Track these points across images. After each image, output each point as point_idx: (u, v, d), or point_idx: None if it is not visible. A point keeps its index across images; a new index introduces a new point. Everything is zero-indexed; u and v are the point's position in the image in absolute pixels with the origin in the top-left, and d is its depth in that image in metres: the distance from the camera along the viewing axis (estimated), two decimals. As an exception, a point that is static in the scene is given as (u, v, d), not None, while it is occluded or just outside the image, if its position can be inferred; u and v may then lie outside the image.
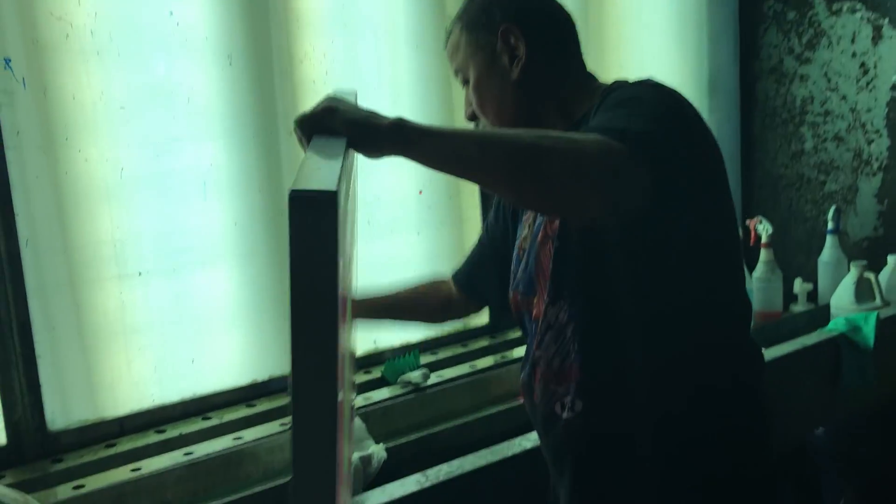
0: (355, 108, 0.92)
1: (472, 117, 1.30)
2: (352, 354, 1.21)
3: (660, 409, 1.13)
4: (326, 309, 0.68)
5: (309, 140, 0.91)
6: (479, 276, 1.51)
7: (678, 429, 1.14)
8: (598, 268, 1.13)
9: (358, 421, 1.60)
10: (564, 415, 1.18)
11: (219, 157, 1.71)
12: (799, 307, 2.50)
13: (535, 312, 1.24)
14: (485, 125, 1.29)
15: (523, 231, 1.31)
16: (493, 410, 1.75)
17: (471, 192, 2.17)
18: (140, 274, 1.63)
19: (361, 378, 1.89)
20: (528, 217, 1.30)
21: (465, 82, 1.28)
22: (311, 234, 0.66)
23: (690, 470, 1.14)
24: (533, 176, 0.93)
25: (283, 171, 1.81)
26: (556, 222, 1.18)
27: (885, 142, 2.54)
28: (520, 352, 2.05)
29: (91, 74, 1.53)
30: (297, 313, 0.68)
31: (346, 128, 0.89)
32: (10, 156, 1.45)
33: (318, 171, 0.74)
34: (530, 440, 1.43)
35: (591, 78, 1.28)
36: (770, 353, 1.85)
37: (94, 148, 1.55)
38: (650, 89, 1.12)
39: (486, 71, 1.23)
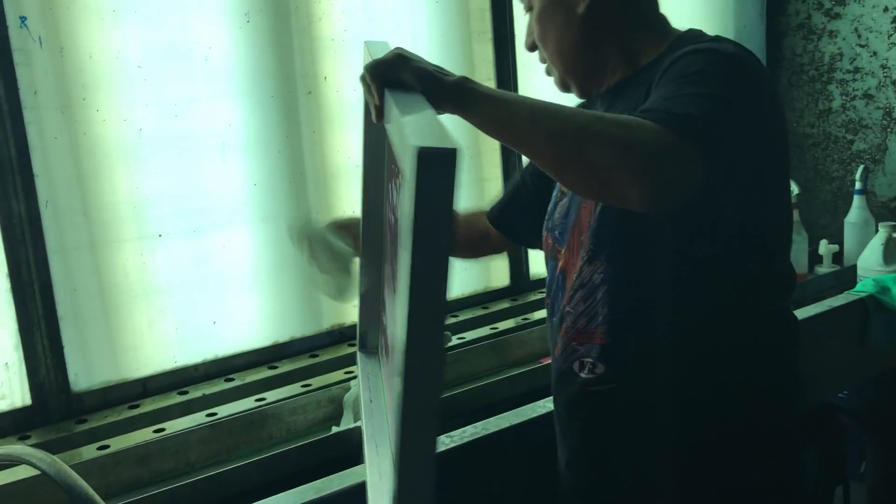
0: (424, 61, 0.95)
1: (532, 47, 1.24)
2: None
3: (684, 386, 1.11)
4: (444, 261, 0.72)
5: (379, 88, 0.93)
6: (513, 214, 1.47)
7: (703, 406, 1.11)
8: (641, 236, 1.09)
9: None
10: (583, 374, 1.16)
11: (237, 117, 1.70)
12: (824, 269, 2.46)
13: (560, 263, 1.22)
14: (544, 58, 1.24)
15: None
16: (515, 372, 1.74)
17: (492, 151, 2.15)
18: (160, 235, 1.62)
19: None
20: None
21: (529, 9, 1.22)
22: (437, 188, 0.70)
23: (711, 445, 1.11)
24: (576, 160, 0.92)
25: (301, 131, 1.80)
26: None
27: (916, 99, 2.48)
28: (541, 314, 2.04)
29: (108, 33, 1.51)
30: (419, 265, 0.71)
31: (416, 79, 0.91)
32: (28, 116, 1.44)
33: (429, 128, 0.77)
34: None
35: (663, 22, 1.20)
36: (797, 314, 1.82)
37: (111, 108, 1.53)
38: (720, 62, 1.03)
39: (551, 1, 1.18)
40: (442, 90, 0.92)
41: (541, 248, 1.32)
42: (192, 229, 1.66)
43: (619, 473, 1.17)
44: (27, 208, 1.45)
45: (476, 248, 1.58)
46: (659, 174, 0.92)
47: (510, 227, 1.49)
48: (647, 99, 1.04)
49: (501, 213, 1.49)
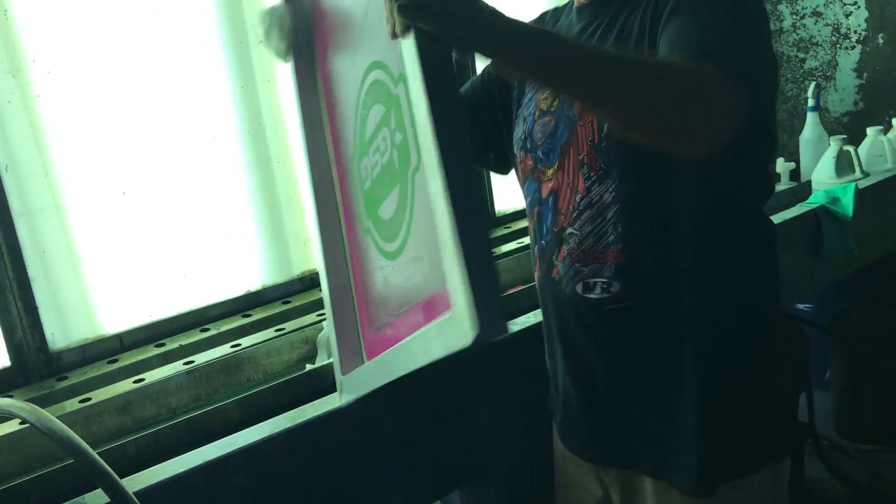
0: None
1: None
2: None
3: (702, 298, 1.13)
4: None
5: (404, 28, 0.84)
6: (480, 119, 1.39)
7: (719, 315, 1.14)
8: (653, 152, 1.04)
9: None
10: (593, 295, 1.16)
11: (192, 74, 1.70)
12: (781, 186, 2.52)
13: (550, 185, 1.20)
14: None
15: (542, 91, 1.24)
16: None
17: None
18: (124, 193, 1.64)
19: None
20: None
21: None
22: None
23: (723, 362, 1.15)
24: (637, 109, 0.93)
25: (256, 82, 1.82)
26: None
27: (862, 13, 2.52)
28: (508, 247, 2.08)
29: (51, -7, 1.51)
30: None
31: (450, 27, 0.84)
32: (-21, 81, 1.45)
33: None
34: (518, 324, 1.47)
35: None
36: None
37: (63, 68, 1.54)
38: None
39: None
40: (479, 36, 0.86)
41: (498, 170, 1.32)
42: (155, 184, 1.68)
43: (637, 382, 1.19)
44: (-13, 173, 1.46)
45: None
46: (718, 126, 0.94)
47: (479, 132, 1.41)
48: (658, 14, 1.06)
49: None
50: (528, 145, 1.24)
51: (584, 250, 1.15)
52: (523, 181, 1.28)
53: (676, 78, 0.93)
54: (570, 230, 1.17)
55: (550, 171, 1.20)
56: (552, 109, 1.21)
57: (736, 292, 1.16)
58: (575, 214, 1.16)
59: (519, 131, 1.28)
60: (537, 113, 1.24)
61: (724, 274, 1.14)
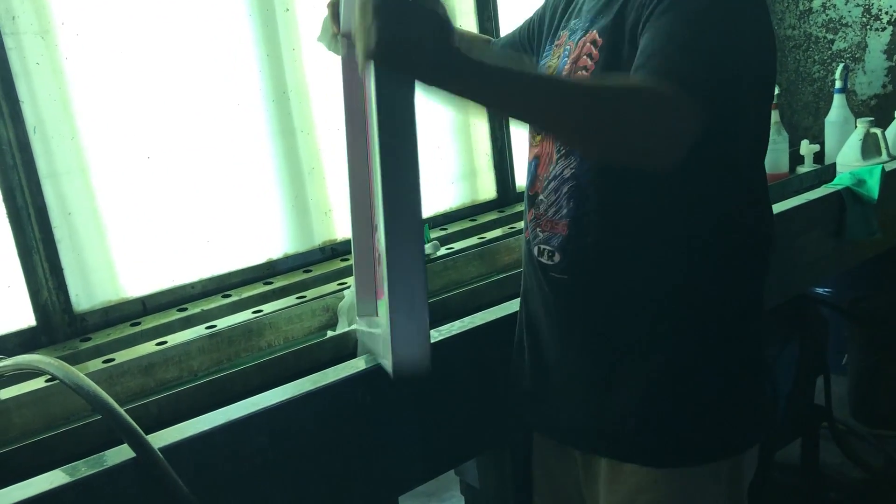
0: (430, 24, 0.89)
1: None
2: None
3: (644, 288, 1.15)
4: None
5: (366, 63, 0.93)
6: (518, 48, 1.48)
7: (658, 310, 1.15)
8: None
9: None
10: (543, 259, 1.21)
11: (216, 41, 1.71)
12: (805, 168, 2.50)
13: (536, 150, 1.25)
14: None
15: (551, 59, 1.27)
16: (502, 276, 1.79)
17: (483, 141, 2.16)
18: (149, 157, 1.65)
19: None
20: (559, 43, 1.26)
21: None
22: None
23: (658, 349, 1.15)
24: (585, 136, 1.01)
25: (282, 51, 1.82)
26: (580, 72, 1.17)
27: (894, -6, 2.49)
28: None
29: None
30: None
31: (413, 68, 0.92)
32: (9, 42, 1.46)
33: None
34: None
35: None
36: (775, 209, 1.86)
37: (92, 31, 1.54)
38: None
39: None
40: (444, 78, 0.92)
41: None
42: (179, 150, 1.69)
43: (576, 353, 1.22)
44: (16, 134, 1.48)
45: None
46: (672, 143, 0.99)
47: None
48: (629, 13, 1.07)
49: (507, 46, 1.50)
50: None
51: (548, 217, 1.20)
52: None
53: (628, 101, 0.98)
54: (541, 196, 1.22)
55: (539, 138, 1.25)
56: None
57: (686, 287, 1.15)
58: (545, 183, 1.21)
59: None
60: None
61: (674, 267, 1.14)
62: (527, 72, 1.01)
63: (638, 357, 1.16)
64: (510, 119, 1.02)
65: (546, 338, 1.26)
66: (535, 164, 1.25)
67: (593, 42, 1.16)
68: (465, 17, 2.17)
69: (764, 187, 1.23)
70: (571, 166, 1.16)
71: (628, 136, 0.99)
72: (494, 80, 0.95)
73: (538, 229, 1.22)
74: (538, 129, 1.02)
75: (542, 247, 1.21)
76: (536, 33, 1.41)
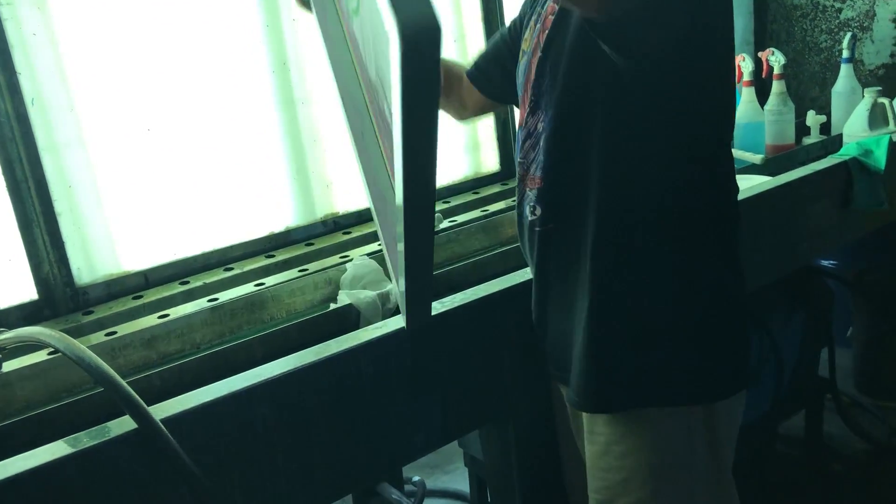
0: None
1: None
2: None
3: (607, 227, 1.15)
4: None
5: None
6: (490, 70, 1.52)
7: (625, 251, 1.15)
8: (573, 88, 1.14)
9: (374, 263, 1.64)
10: (529, 216, 1.24)
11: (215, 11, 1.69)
12: (811, 139, 2.48)
13: (519, 119, 1.28)
14: None
15: (525, 33, 1.31)
16: (505, 248, 1.78)
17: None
18: (149, 130, 1.64)
19: (374, 228, 1.92)
20: (531, 25, 1.29)
21: None
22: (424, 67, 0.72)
23: (619, 291, 1.16)
24: None
25: (282, 20, 1.79)
26: (546, 32, 1.18)
27: (904, -39, 2.45)
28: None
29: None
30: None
31: None
32: (4, 12, 1.44)
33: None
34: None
35: None
36: (782, 179, 1.85)
37: (89, 2, 1.52)
38: None
39: None
40: None
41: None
42: (179, 123, 1.68)
43: (559, 302, 1.24)
44: (13, 106, 1.46)
45: (461, 108, 1.62)
46: None
47: (485, 82, 1.53)
48: None
49: (477, 69, 1.54)
50: (518, 84, 1.33)
51: (531, 176, 1.23)
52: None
53: None
54: (521, 158, 1.27)
55: (519, 108, 1.30)
56: (526, 49, 1.28)
57: (661, 236, 1.15)
58: (521, 143, 1.26)
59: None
60: (520, 54, 1.32)
61: (647, 213, 1.14)
62: None
63: (608, 309, 1.17)
64: None
65: (538, 296, 1.29)
66: (522, 132, 1.27)
67: (552, 10, 1.20)
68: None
69: (728, 154, 1.23)
70: (542, 120, 1.20)
71: None
72: None
73: (526, 189, 1.25)
74: None
75: (528, 205, 1.24)
76: (519, 31, 1.42)
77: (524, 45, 1.30)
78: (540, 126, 1.20)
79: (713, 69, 1.14)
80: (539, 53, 1.20)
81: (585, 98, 1.13)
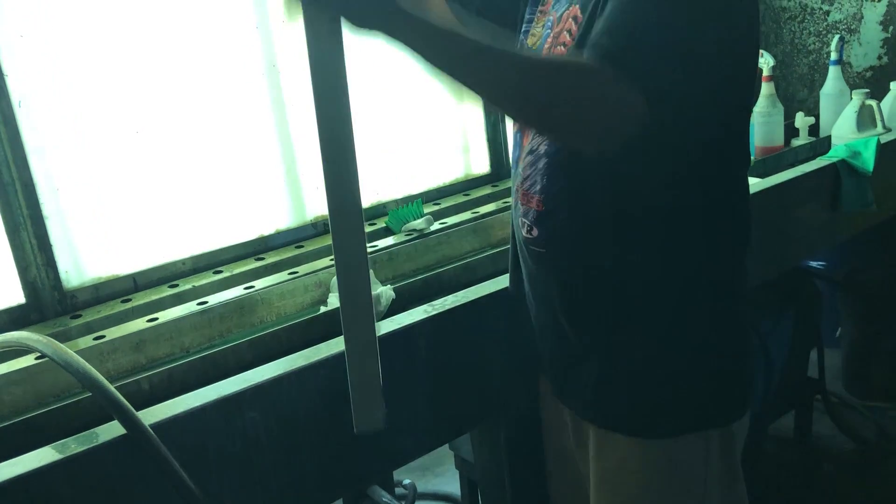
0: None
1: None
2: None
3: (612, 266, 1.13)
4: None
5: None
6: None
7: (632, 288, 1.14)
8: None
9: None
10: (524, 233, 1.21)
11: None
12: (800, 141, 2.49)
13: (516, 125, 1.26)
14: None
15: (535, 27, 1.25)
16: (496, 251, 1.78)
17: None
18: (137, 132, 1.63)
19: (366, 229, 1.91)
20: (544, 9, 1.25)
21: None
22: None
23: (631, 322, 1.15)
24: (520, 109, 1.00)
25: (269, 21, 1.79)
26: (559, 48, 1.15)
27: (891, -37, 2.46)
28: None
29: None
30: None
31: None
32: (-8, 13, 1.43)
33: None
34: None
35: None
36: (770, 181, 1.86)
37: (79, 2, 1.51)
38: None
39: None
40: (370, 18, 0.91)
41: None
42: (168, 125, 1.67)
43: (556, 324, 1.21)
44: (0, 108, 1.45)
45: None
46: (606, 126, 0.96)
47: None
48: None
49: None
50: None
51: (525, 190, 1.20)
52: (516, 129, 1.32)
53: (567, 81, 0.95)
54: (520, 168, 1.22)
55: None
56: (531, 45, 1.24)
57: (663, 263, 1.12)
58: (525, 155, 1.21)
59: None
60: (521, 36, 1.28)
61: (650, 243, 1.12)
62: (475, 40, 0.95)
63: (617, 329, 1.16)
64: (451, 82, 0.96)
65: (532, 303, 1.27)
66: (521, 135, 1.25)
67: (574, 17, 1.13)
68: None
69: (745, 161, 1.20)
70: (545, 142, 1.16)
71: (567, 114, 0.96)
72: (435, 39, 0.93)
73: (519, 202, 1.22)
74: (478, 95, 0.98)
75: (523, 220, 1.21)
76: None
77: (529, 41, 1.25)
78: (542, 147, 1.16)
79: (740, 76, 1.09)
80: None
81: None
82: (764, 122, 2.36)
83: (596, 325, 1.17)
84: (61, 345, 1.09)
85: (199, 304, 1.56)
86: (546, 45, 1.19)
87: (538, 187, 1.17)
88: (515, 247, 1.31)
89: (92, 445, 0.99)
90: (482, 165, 2.28)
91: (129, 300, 1.61)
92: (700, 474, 1.17)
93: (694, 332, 1.16)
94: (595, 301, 1.16)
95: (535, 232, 1.19)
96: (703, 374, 1.17)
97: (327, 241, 1.88)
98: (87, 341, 1.43)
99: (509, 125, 1.31)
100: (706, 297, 1.16)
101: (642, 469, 1.18)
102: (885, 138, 2.12)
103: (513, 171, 1.27)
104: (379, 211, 2.01)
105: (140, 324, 1.49)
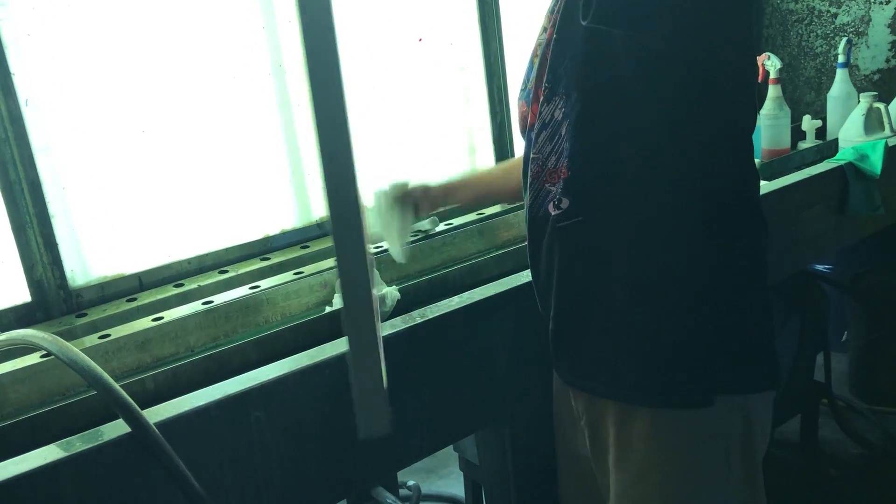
0: None
1: None
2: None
3: (642, 216, 1.12)
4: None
5: None
6: None
7: (660, 241, 1.13)
8: (598, 64, 1.09)
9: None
10: (553, 212, 1.18)
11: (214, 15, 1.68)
12: (807, 144, 2.48)
13: (530, 120, 1.24)
14: None
15: (539, 38, 1.27)
16: (501, 252, 1.78)
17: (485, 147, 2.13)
18: (143, 132, 1.63)
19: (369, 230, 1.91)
20: (544, 26, 1.26)
21: None
22: None
23: (653, 287, 1.14)
24: None
25: (277, 22, 1.79)
26: (559, 15, 1.15)
27: (899, -34, 2.45)
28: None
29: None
30: None
31: None
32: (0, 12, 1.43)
33: None
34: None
35: None
36: (777, 184, 1.85)
37: (86, 1, 1.52)
38: None
39: None
40: None
41: None
42: (174, 125, 1.67)
43: (582, 298, 1.20)
44: (7, 107, 1.45)
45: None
46: None
47: None
48: None
49: None
50: (523, 95, 1.29)
51: (549, 170, 1.18)
52: (521, 133, 1.31)
53: None
54: (533, 155, 1.21)
55: (526, 107, 1.25)
56: (538, 52, 1.24)
57: (680, 221, 1.12)
58: (536, 138, 1.19)
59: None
60: (533, 58, 1.27)
61: (683, 193, 1.11)
62: None
63: (644, 298, 1.14)
64: None
65: (556, 295, 1.23)
66: (536, 125, 1.21)
67: (552, 10, 1.18)
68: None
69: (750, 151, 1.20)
70: (560, 106, 1.15)
71: None
72: None
73: (545, 185, 1.19)
74: None
75: (554, 199, 1.18)
76: None
77: (536, 49, 1.26)
78: (558, 113, 1.15)
79: (733, 54, 1.09)
80: (553, 34, 1.15)
81: (613, 72, 1.08)
82: (771, 124, 2.36)
83: (627, 296, 1.15)
84: (67, 343, 1.09)
85: (205, 303, 1.55)
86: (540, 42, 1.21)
87: (559, 156, 1.15)
88: (536, 241, 1.27)
89: (97, 444, 0.98)
90: (488, 166, 2.28)
91: (135, 299, 1.61)
92: (721, 445, 1.16)
93: (721, 299, 1.15)
94: (626, 264, 1.14)
95: (564, 203, 1.16)
96: (728, 343, 1.16)
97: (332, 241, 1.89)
98: (92, 340, 1.43)
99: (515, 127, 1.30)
100: (740, 254, 1.16)
101: (666, 438, 1.16)
102: (892, 141, 2.11)
103: (530, 167, 1.23)
104: (384, 212, 2.01)
105: (145, 323, 1.49)
